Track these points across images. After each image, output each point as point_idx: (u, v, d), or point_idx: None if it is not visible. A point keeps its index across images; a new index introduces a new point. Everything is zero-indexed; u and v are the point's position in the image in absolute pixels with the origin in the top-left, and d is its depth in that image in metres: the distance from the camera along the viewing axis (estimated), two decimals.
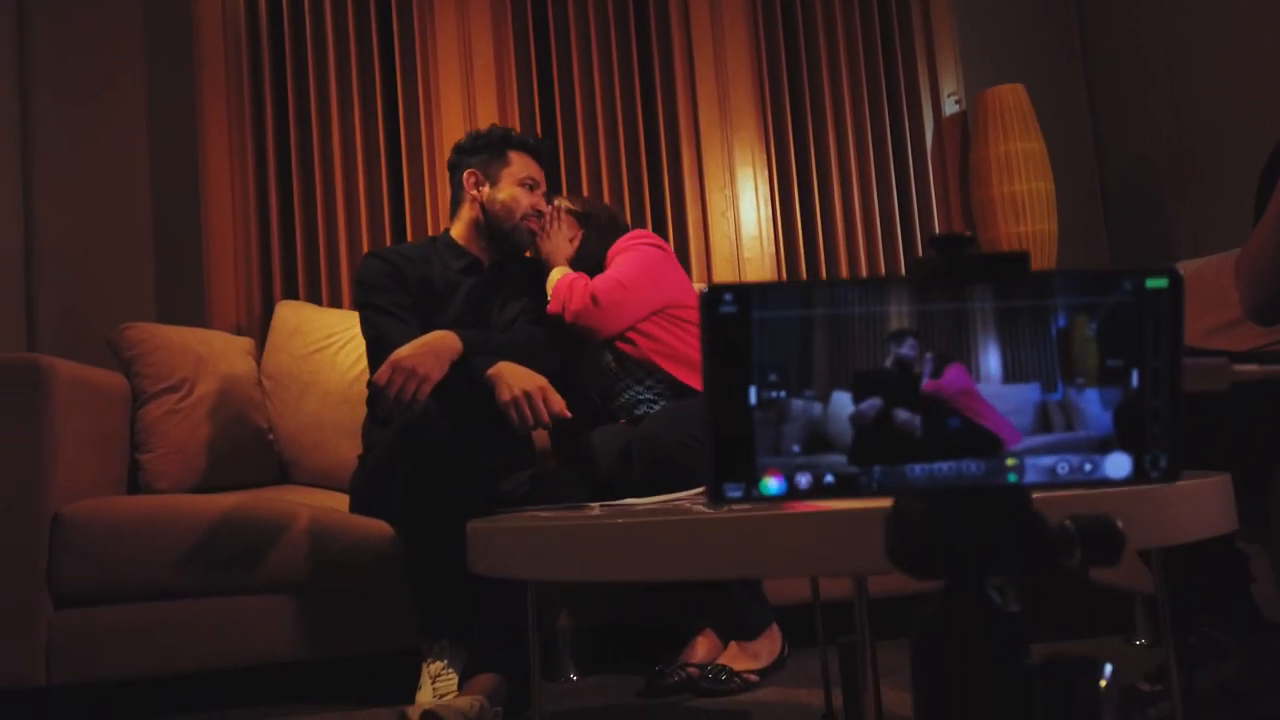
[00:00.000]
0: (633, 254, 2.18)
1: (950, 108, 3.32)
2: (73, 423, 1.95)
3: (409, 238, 2.97)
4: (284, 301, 2.70)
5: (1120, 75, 3.46)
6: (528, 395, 1.81)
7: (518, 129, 3.04)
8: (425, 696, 1.69)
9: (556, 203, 2.28)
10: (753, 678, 1.81)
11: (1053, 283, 0.42)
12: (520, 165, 2.19)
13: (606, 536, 0.95)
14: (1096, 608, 2.06)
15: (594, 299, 2.05)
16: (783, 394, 0.42)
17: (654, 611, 2.03)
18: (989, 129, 3.15)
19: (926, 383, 0.43)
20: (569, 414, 1.85)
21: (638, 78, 3.15)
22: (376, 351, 1.92)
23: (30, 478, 1.85)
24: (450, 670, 1.72)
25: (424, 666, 1.75)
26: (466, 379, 1.86)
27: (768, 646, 1.90)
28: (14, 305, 2.85)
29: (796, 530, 0.79)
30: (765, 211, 3.19)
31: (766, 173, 3.19)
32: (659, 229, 3.10)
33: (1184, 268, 2.63)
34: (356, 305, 2.12)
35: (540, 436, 2.35)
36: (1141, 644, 1.97)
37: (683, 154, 3.14)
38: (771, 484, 0.42)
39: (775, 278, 3.16)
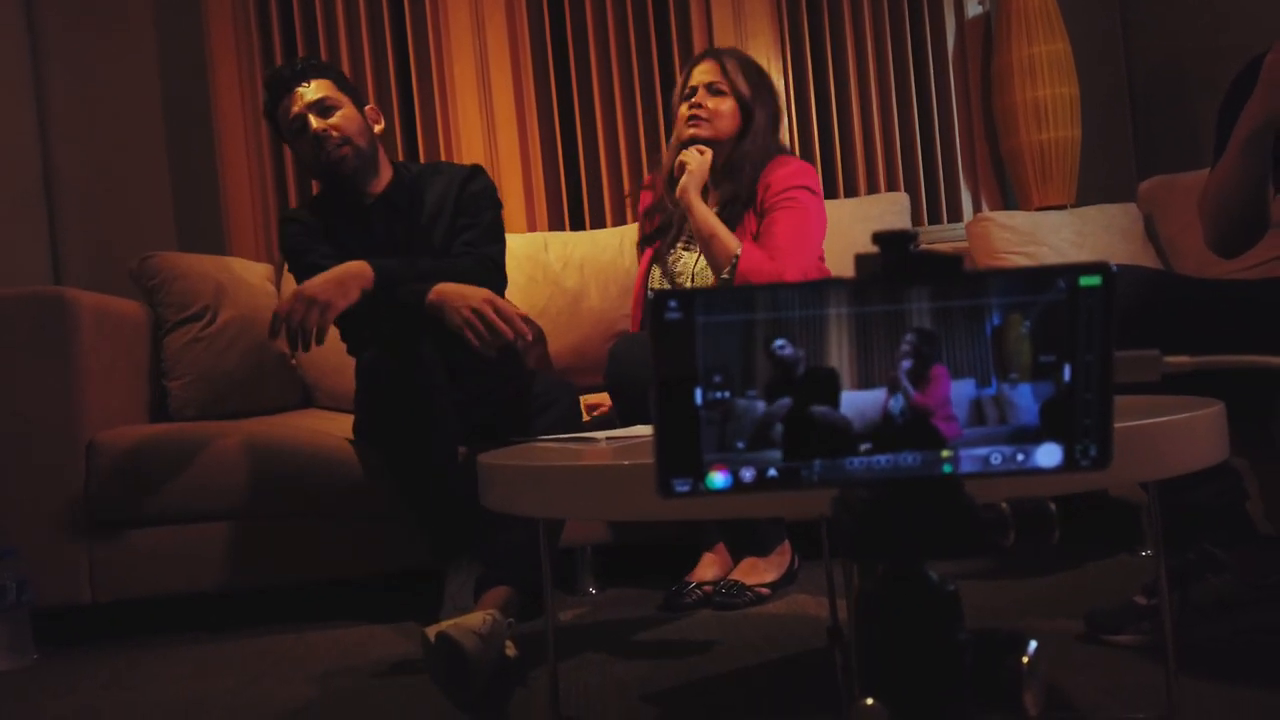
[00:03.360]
0: (806, 216, 2.08)
1: (974, 10, 3.22)
2: (100, 352, 2.01)
3: (422, 160, 2.97)
4: None
5: None
6: (477, 313, 1.71)
7: (527, 39, 3.01)
8: (446, 613, 1.78)
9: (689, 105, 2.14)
10: (764, 591, 1.88)
11: (988, 282, 0.43)
12: (283, 107, 1.98)
13: (609, 477, 0.96)
14: (1111, 521, 2.10)
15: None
16: (727, 395, 0.44)
17: (670, 530, 2.09)
18: (1012, 32, 3.05)
19: (915, 395, 0.44)
20: (527, 329, 1.74)
21: None
22: None
23: (63, 406, 1.92)
24: (466, 587, 1.80)
25: (444, 584, 1.83)
26: (405, 311, 1.77)
27: (778, 561, 1.96)
28: (39, 239, 2.90)
29: None
30: (782, 121, 3.13)
31: (783, 82, 3.13)
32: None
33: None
34: (290, 273, 2.03)
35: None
36: (1146, 555, 2.01)
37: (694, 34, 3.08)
38: (717, 478, 0.45)
39: None
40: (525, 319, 1.75)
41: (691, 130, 2.11)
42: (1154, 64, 3.36)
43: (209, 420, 2.23)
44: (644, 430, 1.35)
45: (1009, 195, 3.23)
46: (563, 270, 2.65)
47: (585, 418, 2.09)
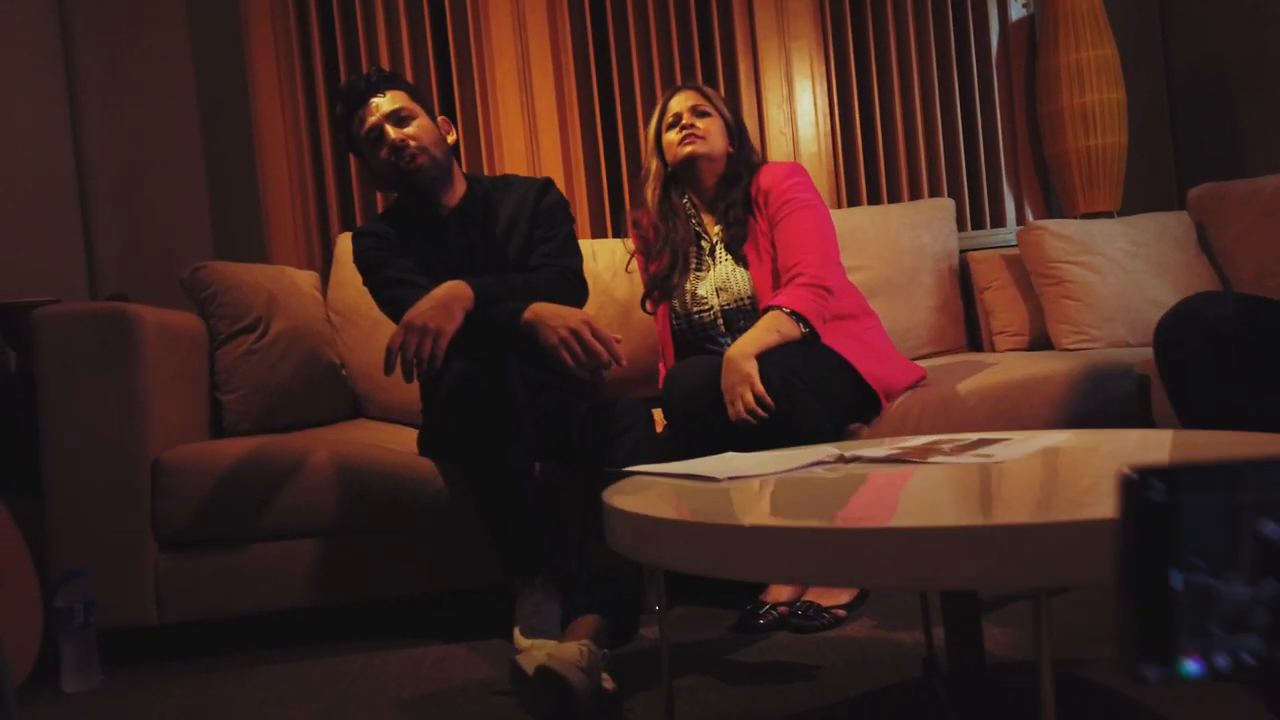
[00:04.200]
0: (819, 214, 2.08)
1: (1018, 12, 3.19)
2: (162, 368, 1.98)
3: (464, 166, 2.93)
4: (346, 233, 2.68)
5: None
6: (575, 334, 1.70)
7: (569, 39, 2.97)
8: (520, 637, 1.76)
9: (683, 105, 2.16)
10: (841, 613, 1.86)
11: None
12: (358, 118, 1.98)
13: (759, 541, 0.88)
14: None
15: (827, 291, 2.00)
16: (1207, 578, 0.42)
17: None
18: (1060, 35, 3.03)
19: None
20: (622, 352, 1.73)
21: None
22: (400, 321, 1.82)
23: (130, 425, 1.89)
24: (543, 609, 1.79)
25: (515, 604, 1.82)
26: (500, 330, 1.76)
27: None
28: (73, 246, 2.85)
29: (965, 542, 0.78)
30: (824, 126, 3.11)
31: (825, 84, 3.10)
32: None
33: (1264, 186, 2.56)
34: (367, 287, 2.00)
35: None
36: None
37: (739, 65, 3.05)
38: (1190, 665, 0.43)
39: (833, 197, 3.11)
40: (619, 343, 1.74)
41: (689, 149, 2.13)
42: (1194, 66, 3.34)
43: (265, 434, 2.20)
44: (758, 464, 1.33)
45: (1053, 201, 3.22)
46: (612, 280, 2.62)
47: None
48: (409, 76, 2.91)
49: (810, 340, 1.95)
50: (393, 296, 1.93)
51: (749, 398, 1.80)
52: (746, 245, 2.12)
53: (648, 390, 2.42)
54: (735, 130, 2.22)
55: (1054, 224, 2.65)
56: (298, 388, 2.35)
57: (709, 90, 2.24)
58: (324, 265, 2.66)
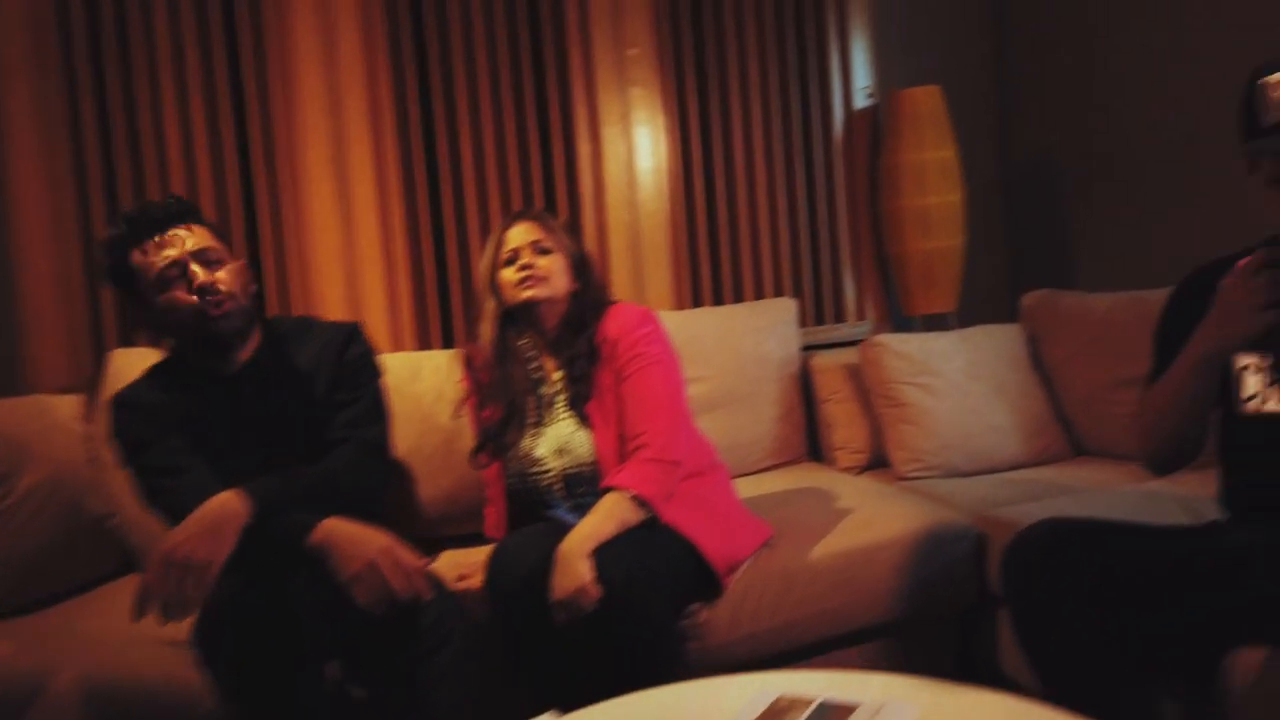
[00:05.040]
0: (668, 370, 1.93)
1: (862, 100, 3.12)
2: None
3: (264, 266, 2.61)
4: (119, 350, 2.32)
5: (1030, 75, 3.32)
6: (373, 567, 1.51)
7: (386, 64, 2.63)
8: None
9: (522, 241, 1.96)
10: None
11: None
12: (150, 247, 1.66)
13: None
14: None
15: (674, 465, 1.84)
16: None
17: None
18: (902, 134, 2.97)
19: None
20: (427, 585, 1.56)
21: (528, 75, 2.80)
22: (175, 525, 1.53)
23: None
24: None
25: None
26: (282, 546, 1.53)
27: None
28: None
29: None
30: (665, 208, 2.94)
31: (673, 174, 2.93)
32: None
33: (1095, 306, 2.57)
34: (128, 471, 1.70)
35: None
36: None
37: (578, 140, 2.84)
38: None
39: (674, 290, 2.96)
40: (425, 573, 1.52)
41: (529, 292, 1.92)
42: (1029, 163, 3.37)
43: (9, 617, 1.86)
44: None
45: (893, 298, 3.18)
46: (435, 403, 2.37)
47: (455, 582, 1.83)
48: (201, 158, 2.55)
49: (651, 524, 1.79)
50: (159, 487, 1.64)
51: (582, 605, 1.62)
52: (591, 404, 1.93)
53: (471, 526, 2.20)
54: (579, 265, 2.02)
55: (895, 340, 2.59)
56: (55, 550, 2.00)
57: (550, 221, 2.02)
58: (93, 388, 2.29)
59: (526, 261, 1.94)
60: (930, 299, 3.04)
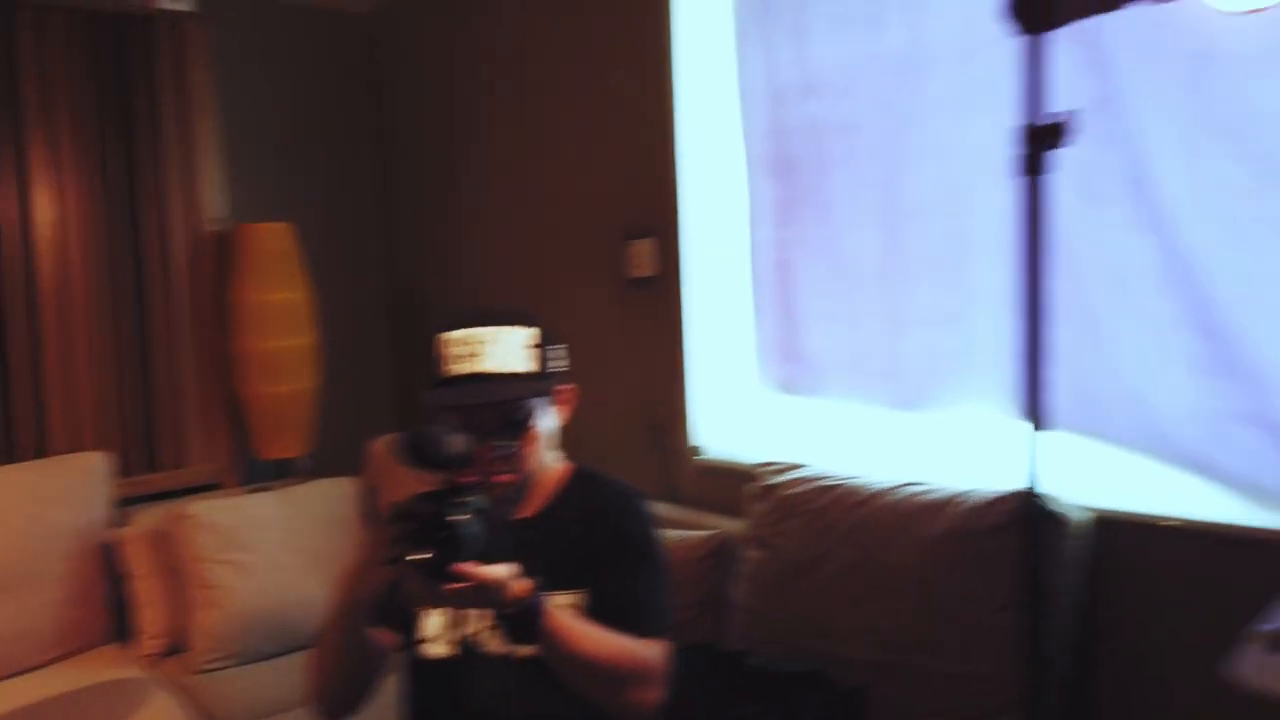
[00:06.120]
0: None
1: (212, 221, 2.86)
2: None
3: None
4: None
5: (403, 209, 3.30)
6: None
7: None
8: None
9: None
10: None
11: None
12: None
13: None
14: None
15: None
16: None
17: None
18: (248, 273, 2.77)
19: None
20: None
21: None
22: None
23: None
24: None
25: None
26: None
27: None
28: None
29: None
30: None
31: None
32: None
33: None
34: None
35: None
36: None
37: None
38: None
39: None
40: None
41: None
42: (392, 301, 3.33)
43: None
44: None
45: (243, 438, 2.94)
46: None
47: None
48: None
49: None
50: None
51: None
52: None
53: None
54: None
55: (208, 510, 2.37)
56: None
57: None
58: None
59: None
60: (281, 443, 2.87)
